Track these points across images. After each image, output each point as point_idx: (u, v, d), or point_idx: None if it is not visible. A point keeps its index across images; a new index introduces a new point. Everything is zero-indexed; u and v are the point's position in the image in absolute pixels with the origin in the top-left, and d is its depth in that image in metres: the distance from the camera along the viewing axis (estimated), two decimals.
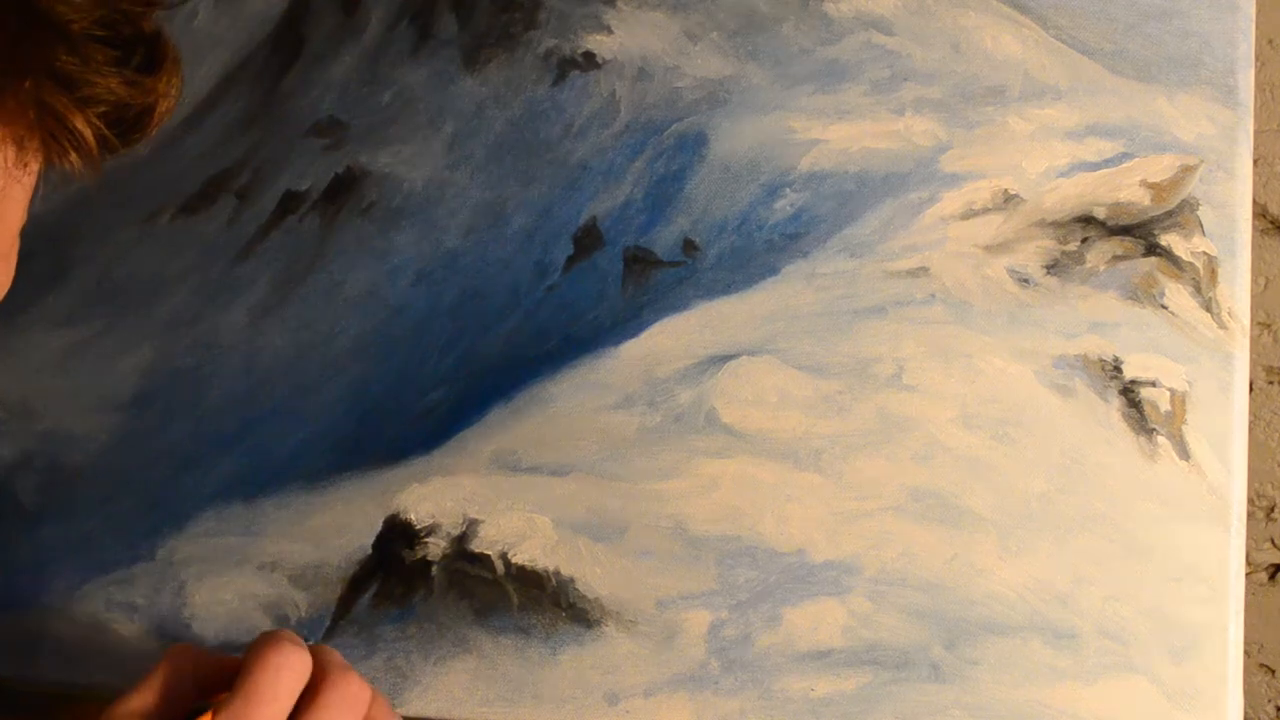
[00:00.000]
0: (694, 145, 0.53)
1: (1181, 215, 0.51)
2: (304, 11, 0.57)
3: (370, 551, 0.50)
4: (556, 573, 0.49)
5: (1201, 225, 0.50)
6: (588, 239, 0.53)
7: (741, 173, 0.53)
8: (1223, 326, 0.50)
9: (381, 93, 0.55)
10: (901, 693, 0.47)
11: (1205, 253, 0.50)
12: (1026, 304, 0.50)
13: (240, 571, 0.50)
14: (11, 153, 0.29)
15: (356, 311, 0.53)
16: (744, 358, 0.51)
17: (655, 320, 0.51)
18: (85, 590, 0.51)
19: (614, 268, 0.52)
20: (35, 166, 0.30)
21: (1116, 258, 0.51)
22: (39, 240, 0.55)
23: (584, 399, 0.51)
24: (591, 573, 0.49)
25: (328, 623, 0.50)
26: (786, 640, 0.48)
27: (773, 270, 0.52)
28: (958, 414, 0.50)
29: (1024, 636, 0.47)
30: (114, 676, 0.50)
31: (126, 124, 0.30)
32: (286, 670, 0.38)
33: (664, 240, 0.52)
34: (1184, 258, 0.50)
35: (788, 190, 0.52)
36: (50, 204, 0.56)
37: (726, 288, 0.52)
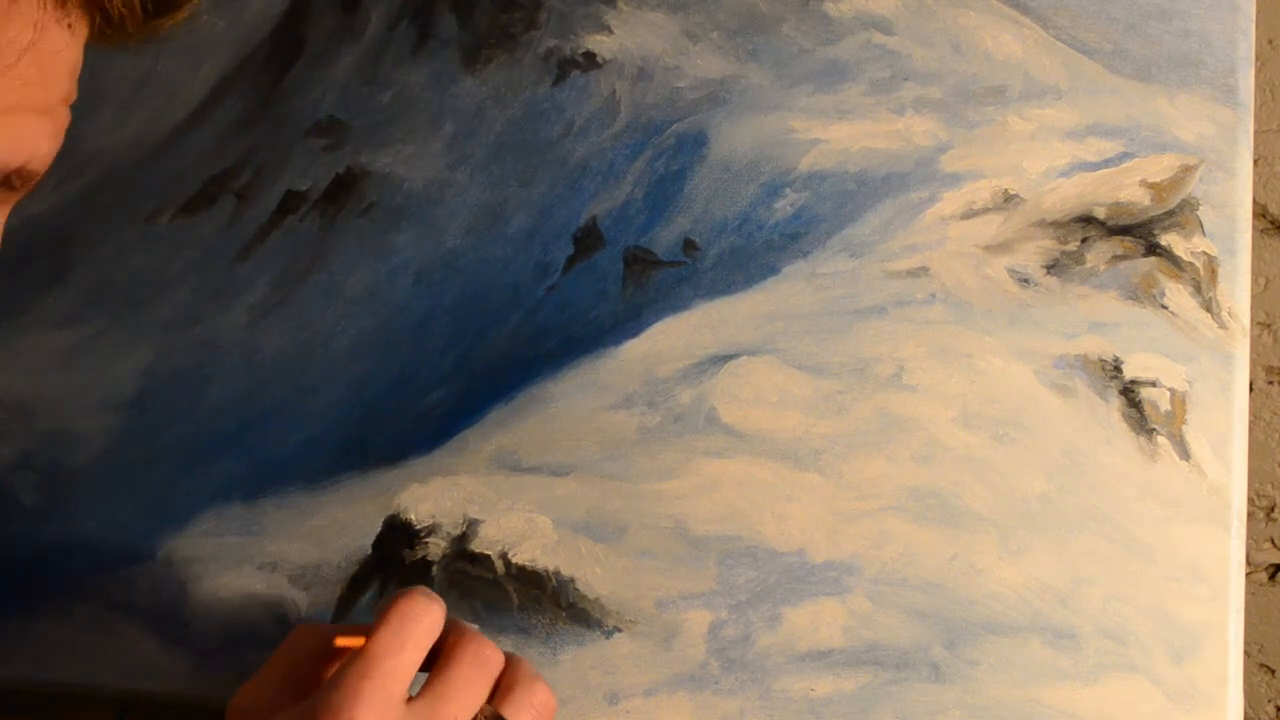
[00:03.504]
0: (694, 145, 0.53)
1: (1181, 215, 0.51)
2: (304, 11, 0.57)
3: (370, 551, 0.50)
4: (557, 573, 0.49)
5: (1201, 225, 0.50)
6: (588, 239, 0.53)
7: (742, 172, 0.53)
8: (1223, 326, 0.50)
9: (381, 93, 0.55)
10: (901, 693, 0.47)
11: (1205, 253, 0.50)
12: (1026, 304, 0.50)
13: (240, 571, 0.50)
14: None
15: (356, 311, 0.53)
16: (744, 358, 0.51)
17: (655, 320, 0.51)
18: (85, 590, 0.51)
19: (614, 268, 0.52)
20: (78, 16, 0.29)
21: (1116, 258, 0.51)
22: (39, 240, 0.55)
23: (584, 399, 0.51)
24: (592, 573, 0.49)
25: (328, 623, 0.50)
26: (786, 640, 0.48)
27: (773, 270, 0.52)
28: (958, 414, 0.50)
29: (1024, 636, 0.47)
30: (114, 676, 0.50)
31: None
32: (414, 619, 0.38)
33: (664, 240, 0.52)
34: (1184, 258, 0.50)
35: (788, 190, 0.52)
36: (50, 204, 0.56)
37: (727, 288, 0.52)
